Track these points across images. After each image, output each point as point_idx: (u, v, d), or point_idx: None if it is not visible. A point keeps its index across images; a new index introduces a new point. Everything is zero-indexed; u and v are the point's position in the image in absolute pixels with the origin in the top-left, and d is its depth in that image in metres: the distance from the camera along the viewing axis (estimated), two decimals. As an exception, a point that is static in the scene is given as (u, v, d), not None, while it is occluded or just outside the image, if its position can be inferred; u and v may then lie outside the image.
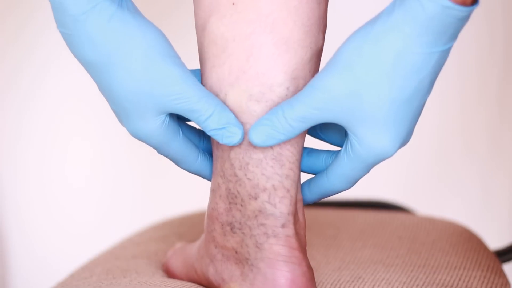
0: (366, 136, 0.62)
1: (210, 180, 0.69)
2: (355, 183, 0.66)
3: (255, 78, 0.64)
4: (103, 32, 0.63)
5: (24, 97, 1.57)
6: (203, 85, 0.67)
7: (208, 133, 0.64)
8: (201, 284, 0.71)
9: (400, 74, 0.60)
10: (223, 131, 0.64)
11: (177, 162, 0.69)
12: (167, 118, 0.66)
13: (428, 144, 1.63)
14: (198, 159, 0.69)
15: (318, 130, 0.69)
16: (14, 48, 1.52)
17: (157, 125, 0.65)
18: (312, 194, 0.68)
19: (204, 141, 0.70)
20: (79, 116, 1.59)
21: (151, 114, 0.65)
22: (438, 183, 1.68)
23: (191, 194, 1.63)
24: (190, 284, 0.72)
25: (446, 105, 1.60)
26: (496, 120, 1.63)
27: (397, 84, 0.60)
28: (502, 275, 0.81)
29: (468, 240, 0.88)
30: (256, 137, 0.63)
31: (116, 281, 0.75)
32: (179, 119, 0.68)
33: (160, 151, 0.68)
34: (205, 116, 0.64)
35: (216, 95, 0.65)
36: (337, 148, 0.68)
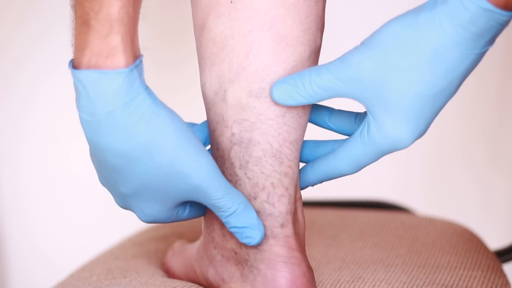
0: (385, 122, 0.62)
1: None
2: (361, 168, 0.66)
3: (255, 74, 0.64)
4: (139, 124, 0.61)
5: (25, 95, 1.57)
6: (202, 85, 0.67)
7: (229, 229, 0.65)
8: (200, 285, 0.71)
9: (432, 71, 0.60)
10: (243, 231, 0.64)
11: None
12: (184, 205, 0.66)
13: (428, 144, 1.63)
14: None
15: (326, 119, 0.69)
16: (15, 48, 1.52)
17: (173, 210, 0.66)
18: (314, 175, 0.68)
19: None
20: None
21: (171, 203, 0.65)
22: (438, 183, 1.68)
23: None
24: (190, 284, 0.72)
25: (446, 105, 1.60)
26: (496, 120, 1.63)
27: (426, 79, 0.60)
28: (502, 275, 0.81)
29: (468, 240, 0.88)
30: (278, 94, 0.64)
31: (116, 281, 0.75)
32: None
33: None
34: (227, 213, 0.64)
35: (216, 93, 0.66)
36: (344, 137, 0.68)
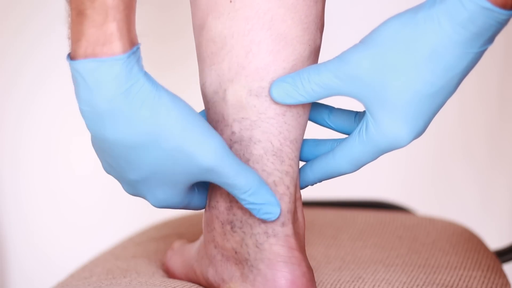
0: (383, 120, 0.62)
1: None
2: (360, 167, 0.66)
3: (255, 73, 0.64)
4: (142, 110, 0.61)
5: (26, 95, 1.57)
6: (202, 84, 0.67)
7: (245, 206, 0.64)
8: (200, 285, 0.71)
9: (431, 69, 0.60)
10: (261, 207, 0.64)
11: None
12: (195, 186, 0.66)
13: (428, 144, 1.63)
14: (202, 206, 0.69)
15: (326, 118, 0.69)
16: (16, 47, 1.52)
17: (186, 193, 0.65)
18: (313, 174, 0.68)
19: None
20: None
21: (183, 186, 0.64)
22: (438, 183, 1.68)
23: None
24: (190, 284, 0.72)
25: (446, 105, 1.60)
26: (496, 120, 1.63)
27: (425, 78, 0.60)
28: (502, 275, 0.81)
29: (468, 240, 0.88)
30: (277, 93, 0.64)
31: (116, 281, 0.75)
32: None
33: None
34: (241, 191, 0.63)
35: (216, 92, 0.66)
36: (344, 136, 0.68)
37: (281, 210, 0.65)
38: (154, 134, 0.61)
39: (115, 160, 0.63)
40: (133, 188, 0.65)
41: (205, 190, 0.68)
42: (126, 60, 0.59)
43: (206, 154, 0.62)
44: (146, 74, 0.61)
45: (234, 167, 0.63)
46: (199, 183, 0.67)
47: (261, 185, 0.64)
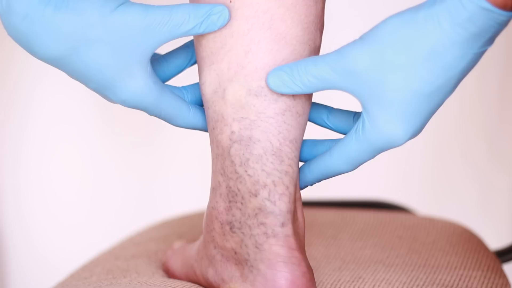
0: (380, 118, 0.62)
1: (206, 131, 0.69)
2: (358, 166, 0.66)
3: (254, 73, 0.64)
4: (68, 10, 0.62)
5: (28, 99, 1.57)
6: (201, 83, 0.67)
7: (204, 32, 0.64)
8: (200, 285, 0.71)
9: (429, 68, 0.60)
10: (211, 18, 0.64)
11: (170, 119, 0.69)
12: (151, 69, 0.66)
13: (428, 144, 1.63)
14: (190, 111, 0.69)
15: (325, 118, 0.69)
16: (16, 48, 1.52)
17: (145, 78, 0.65)
18: (312, 174, 0.68)
19: (188, 96, 0.70)
20: (81, 115, 1.59)
21: (136, 67, 0.65)
22: (438, 183, 1.68)
23: (191, 194, 1.63)
24: (190, 284, 0.72)
25: (446, 105, 1.60)
26: (496, 120, 1.63)
27: (423, 76, 0.60)
28: (502, 275, 0.81)
29: (468, 240, 0.88)
30: (273, 81, 0.64)
31: (116, 281, 0.75)
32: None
33: (152, 111, 0.67)
34: (185, 22, 0.64)
35: (215, 91, 0.66)
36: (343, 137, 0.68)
37: (281, 210, 0.65)
38: (88, 22, 0.63)
39: (74, 71, 0.65)
40: (105, 95, 0.66)
41: (175, 96, 0.68)
42: None
43: (137, 15, 0.63)
44: None
45: (164, 9, 0.63)
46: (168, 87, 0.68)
47: (196, 5, 0.64)
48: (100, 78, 0.65)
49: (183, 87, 0.70)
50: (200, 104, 0.70)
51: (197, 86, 0.70)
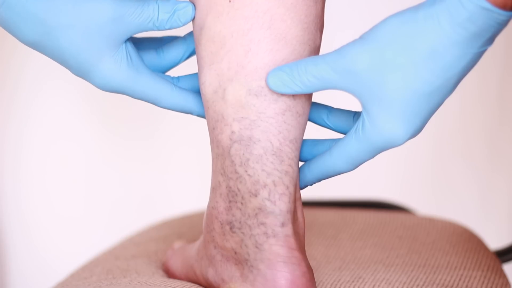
0: (379, 118, 0.62)
1: (195, 113, 0.70)
2: (358, 166, 0.66)
3: (254, 73, 0.64)
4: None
5: (28, 98, 1.57)
6: (202, 83, 0.67)
7: (170, 28, 0.66)
8: (200, 285, 0.71)
9: (429, 68, 0.60)
10: (176, 14, 0.66)
11: (155, 100, 0.69)
12: (127, 49, 0.67)
13: (428, 144, 1.63)
14: (174, 90, 0.69)
15: (325, 118, 0.69)
16: (16, 48, 1.52)
17: (122, 60, 0.66)
18: (311, 174, 0.68)
19: (183, 85, 0.71)
20: (81, 115, 1.59)
21: (108, 52, 0.66)
22: (438, 183, 1.68)
23: (191, 194, 1.63)
24: (190, 284, 0.72)
25: (446, 105, 1.60)
26: (496, 120, 1.63)
27: (423, 76, 0.60)
28: (502, 275, 0.81)
29: (468, 240, 0.88)
30: (273, 81, 0.64)
31: (116, 281, 0.75)
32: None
33: (135, 94, 0.68)
34: (156, 17, 0.66)
35: (215, 91, 0.66)
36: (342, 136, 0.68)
37: (281, 210, 0.65)
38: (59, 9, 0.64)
39: (56, 56, 0.66)
40: (87, 78, 0.67)
41: (157, 78, 0.69)
42: None
43: (108, 4, 0.65)
44: None
45: (137, 2, 0.65)
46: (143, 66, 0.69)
47: (164, 2, 0.66)
48: (77, 63, 0.66)
49: (179, 76, 0.71)
50: (197, 92, 0.70)
51: (194, 77, 0.70)
